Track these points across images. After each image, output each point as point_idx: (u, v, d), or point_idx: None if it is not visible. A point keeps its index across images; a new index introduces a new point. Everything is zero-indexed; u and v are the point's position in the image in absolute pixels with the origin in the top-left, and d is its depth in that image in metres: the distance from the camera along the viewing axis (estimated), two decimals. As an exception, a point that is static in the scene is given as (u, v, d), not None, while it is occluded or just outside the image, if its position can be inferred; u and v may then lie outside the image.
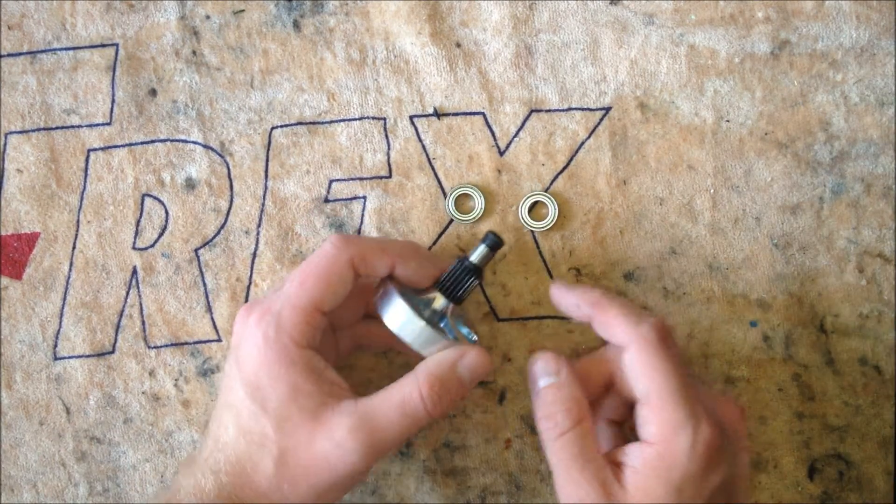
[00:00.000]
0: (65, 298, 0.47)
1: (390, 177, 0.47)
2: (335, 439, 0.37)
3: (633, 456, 0.36)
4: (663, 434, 0.36)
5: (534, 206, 0.47)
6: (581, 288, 0.40)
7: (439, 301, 0.41)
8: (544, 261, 0.47)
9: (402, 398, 0.38)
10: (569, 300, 0.40)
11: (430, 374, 0.38)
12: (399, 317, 0.39)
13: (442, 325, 0.41)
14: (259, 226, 0.47)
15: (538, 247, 0.47)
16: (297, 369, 0.38)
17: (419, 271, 0.41)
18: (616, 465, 0.37)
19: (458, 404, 0.47)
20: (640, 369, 0.37)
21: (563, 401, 0.38)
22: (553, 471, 0.38)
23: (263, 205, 0.47)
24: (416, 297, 0.41)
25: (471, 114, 0.47)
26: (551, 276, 0.47)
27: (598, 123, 0.47)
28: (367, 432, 0.37)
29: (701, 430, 0.35)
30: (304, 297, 0.38)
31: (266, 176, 0.47)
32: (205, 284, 0.47)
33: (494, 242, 0.41)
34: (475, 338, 0.42)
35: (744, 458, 0.39)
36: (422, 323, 0.39)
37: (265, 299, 0.40)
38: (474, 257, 0.41)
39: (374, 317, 0.43)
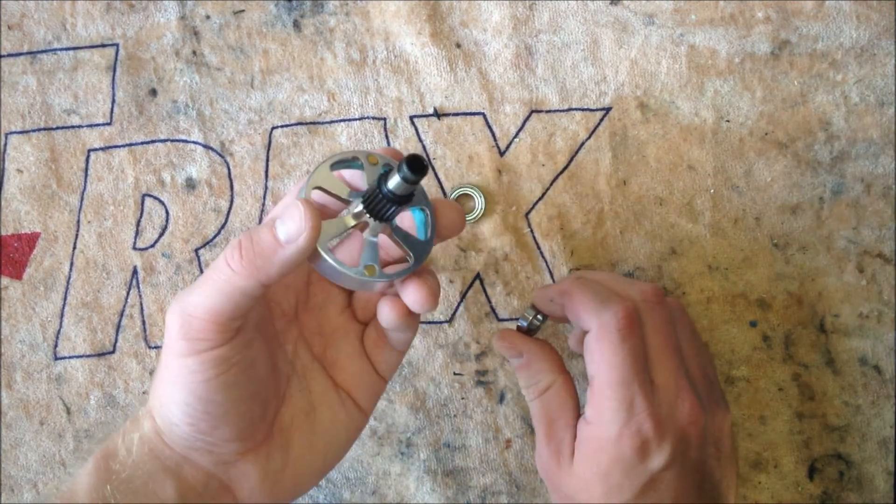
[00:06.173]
0: (65, 298, 0.47)
1: (390, 177, 0.47)
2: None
3: (582, 428, 0.38)
4: (597, 418, 0.37)
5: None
6: (558, 283, 0.40)
7: (359, 216, 0.33)
8: (545, 261, 0.47)
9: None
10: (544, 296, 0.41)
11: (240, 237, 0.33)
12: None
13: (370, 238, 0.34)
14: (259, 226, 0.47)
15: (538, 247, 0.47)
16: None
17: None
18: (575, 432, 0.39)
19: (284, 268, 0.33)
20: (592, 355, 0.37)
21: (531, 375, 0.41)
22: None
23: (264, 205, 0.47)
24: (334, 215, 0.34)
25: (471, 114, 0.47)
26: (552, 277, 0.47)
27: (599, 124, 0.47)
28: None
29: (632, 423, 0.36)
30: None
31: (266, 176, 0.47)
32: (205, 284, 0.47)
33: (411, 177, 0.31)
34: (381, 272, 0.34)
35: (718, 462, 0.39)
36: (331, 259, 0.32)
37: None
38: (392, 185, 0.32)
39: None
